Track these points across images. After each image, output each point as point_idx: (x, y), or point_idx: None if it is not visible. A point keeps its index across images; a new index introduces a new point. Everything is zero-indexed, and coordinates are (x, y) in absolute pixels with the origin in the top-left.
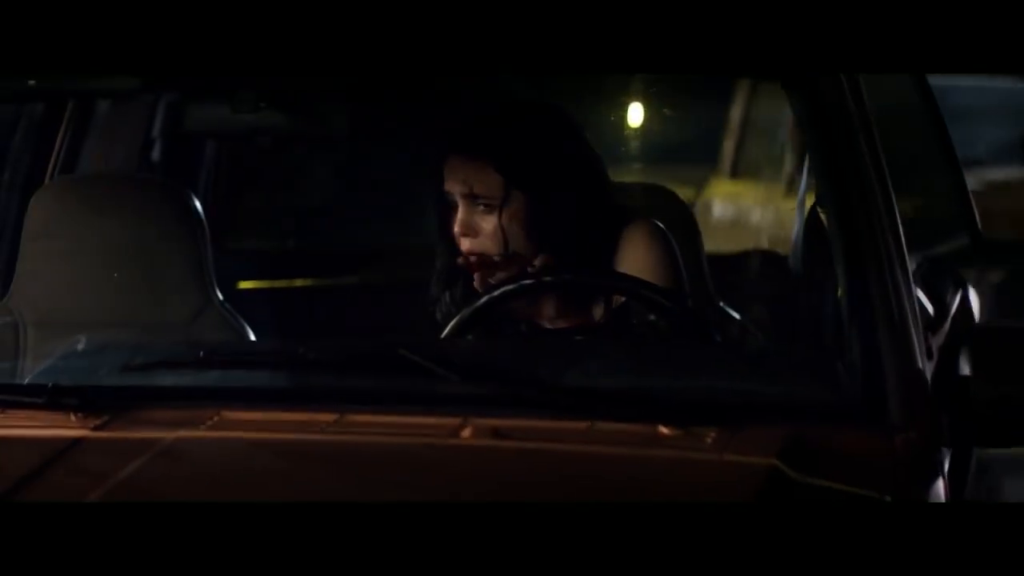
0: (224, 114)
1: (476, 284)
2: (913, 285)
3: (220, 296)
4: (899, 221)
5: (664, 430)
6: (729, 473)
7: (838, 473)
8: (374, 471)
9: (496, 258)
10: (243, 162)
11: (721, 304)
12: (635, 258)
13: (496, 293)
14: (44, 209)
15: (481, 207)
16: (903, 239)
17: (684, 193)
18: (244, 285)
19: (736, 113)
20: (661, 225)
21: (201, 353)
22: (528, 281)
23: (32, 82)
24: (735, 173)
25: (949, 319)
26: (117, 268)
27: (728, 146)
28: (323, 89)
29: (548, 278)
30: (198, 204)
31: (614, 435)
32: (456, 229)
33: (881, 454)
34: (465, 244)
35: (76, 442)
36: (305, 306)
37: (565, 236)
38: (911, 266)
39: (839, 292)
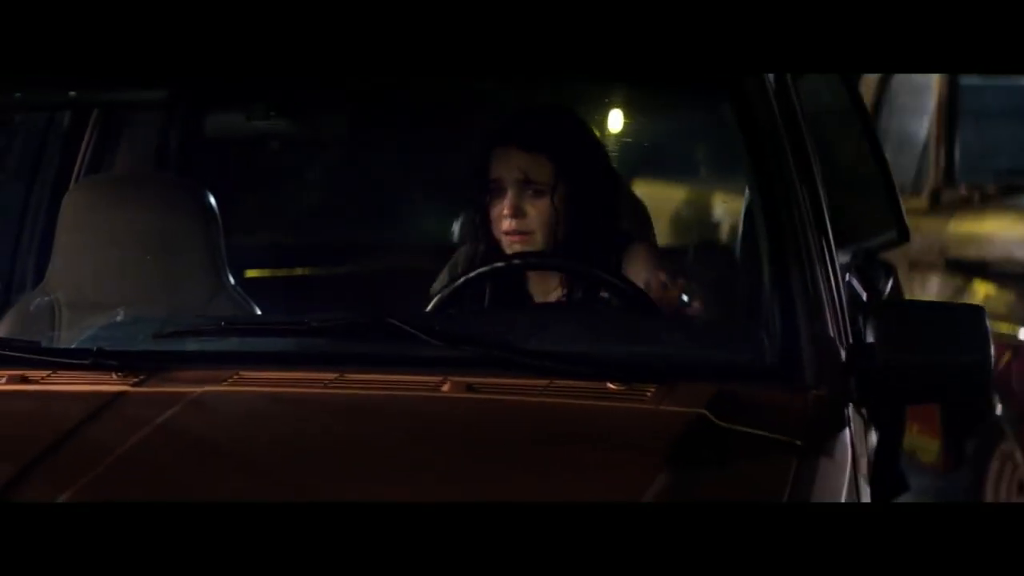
0: (237, 121)
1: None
2: (834, 268)
3: (232, 281)
4: (825, 213)
5: (611, 386)
6: (664, 421)
7: (756, 421)
8: (368, 419)
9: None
10: (249, 164)
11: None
12: (637, 274)
13: (472, 274)
14: (76, 205)
15: (531, 192)
16: (828, 229)
17: None
18: (251, 274)
19: None
20: (656, 245)
21: (222, 323)
22: (500, 264)
23: (72, 93)
24: None
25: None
26: (141, 256)
27: None
28: (326, 99)
29: (516, 262)
30: (212, 200)
31: (569, 390)
32: (505, 211)
33: (794, 407)
34: (511, 224)
35: (118, 395)
36: (304, 292)
37: (594, 222)
38: (845, 256)
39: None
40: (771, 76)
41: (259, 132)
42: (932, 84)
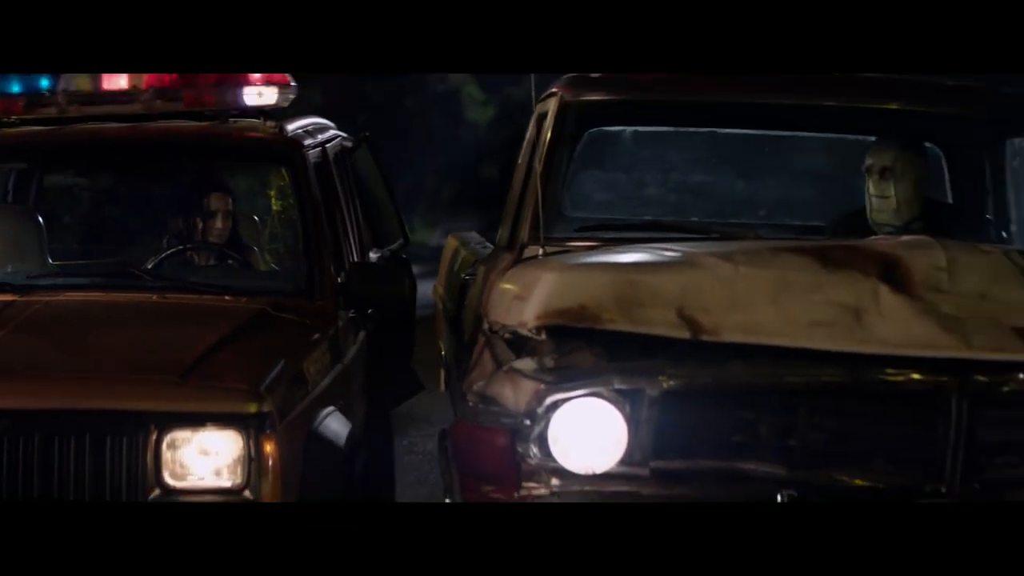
0: (62, 178)
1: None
2: (345, 249)
3: (50, 261)
4: (348, 225)
5: (227, 297)
6: (247, 310)
7: (289, 311)
8: (121, 309)
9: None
10: (52, 201)
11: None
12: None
13: (172, 250)
14: None
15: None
16: (349, 232)
17: None
18: (56, 261)
19: None
20: (259, 239)
21: (58, 271)
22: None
23: None
24: None
25: None
26: (8, 248)
27: None
28: (104, 167)
29: (192, 245)
30: (40, 219)
31: (210, 299)
32: (218, 225)
33: (309, 308)
34: (220, 230)
35: (12, 301)
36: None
37: (236, 227)
38: (377, 253)
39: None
40: (315, 152)
41: (71, 183)
42: None
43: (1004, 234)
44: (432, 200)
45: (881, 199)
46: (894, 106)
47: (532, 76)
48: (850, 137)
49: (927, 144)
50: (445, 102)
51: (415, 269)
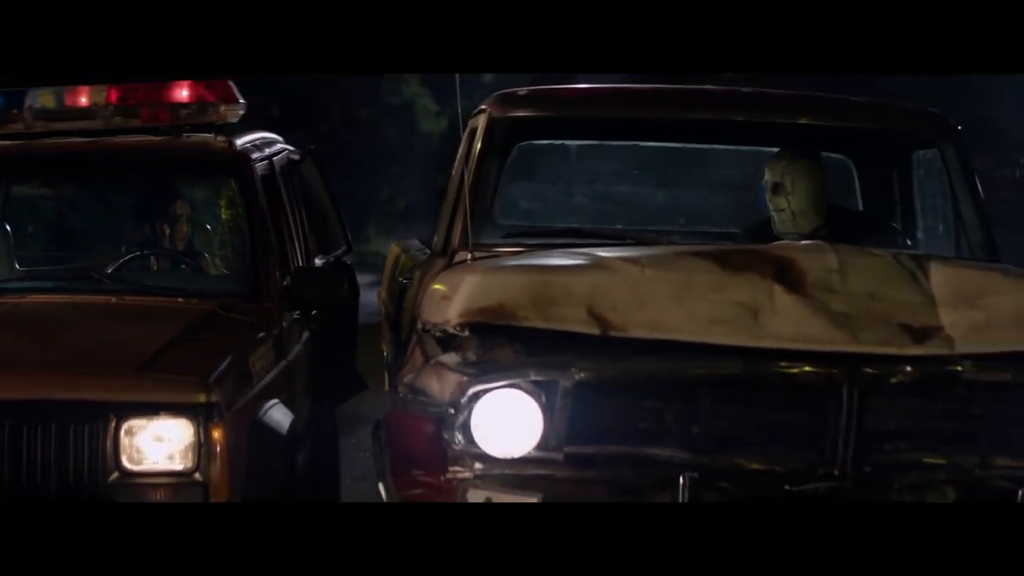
0: (29, 188)
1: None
2: (291, 253)
3: (17, 267)
4: (296, 230)
5: (180, 299)
6: (198, 310)
7: (237, 312)
8: (84, 309)
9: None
10: (19, 211)
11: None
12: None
13: (131, 256)
14: None
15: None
16: (295, 237)
17: None
18: (22, 267)
19: None
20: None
21: (26, 276)
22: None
23: None
24: None
25: None
26: None
27: None
28: (69, 178)
29: (148, 251)
30: (7, 227)
31: (165, 299)
32: (184, 229)
33: (255, 309)
34: (184, 234)
35: None
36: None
37: (192, 233)
38: (323, 258)
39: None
40: (262, 164)
41: (37, 194)
42: None
43: (910, 241)
44: (387, 210)
45: (778, 212)
46: (804, 121)
47: (457, 77)
48: (765, 150)
49: (839, 156)
50: (399, 114)
51: (370, 278)
